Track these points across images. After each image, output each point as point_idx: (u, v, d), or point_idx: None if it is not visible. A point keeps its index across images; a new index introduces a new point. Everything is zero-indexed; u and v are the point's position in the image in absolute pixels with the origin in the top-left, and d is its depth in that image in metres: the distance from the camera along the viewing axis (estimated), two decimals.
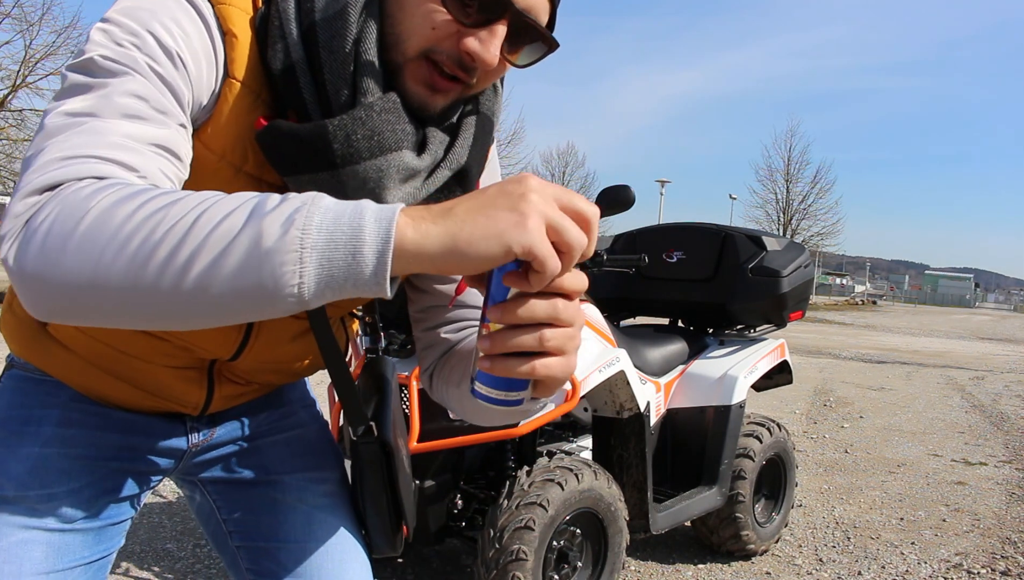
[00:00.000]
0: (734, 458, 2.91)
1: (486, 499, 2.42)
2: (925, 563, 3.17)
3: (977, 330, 24.73)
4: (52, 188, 0.60)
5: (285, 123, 0.74)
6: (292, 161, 0.75)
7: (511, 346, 0.62)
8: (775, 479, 3.21)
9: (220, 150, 0.76)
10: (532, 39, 0.79)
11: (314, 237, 0.55)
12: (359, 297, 0.60)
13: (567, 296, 0.62)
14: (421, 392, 2.16)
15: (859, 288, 78.12)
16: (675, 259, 3.16)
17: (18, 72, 17.77)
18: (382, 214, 0.57)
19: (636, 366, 2.60)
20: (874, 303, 51.91)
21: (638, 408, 2.53)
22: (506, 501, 2.19)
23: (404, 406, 2.18)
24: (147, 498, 3.47)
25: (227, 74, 0.75)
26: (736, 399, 2.86)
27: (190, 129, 0.73)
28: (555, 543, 2.27)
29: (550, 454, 2.62)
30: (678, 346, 2.97)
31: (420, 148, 0.81)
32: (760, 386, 3.28)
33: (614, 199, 2.33)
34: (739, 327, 3.19)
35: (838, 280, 73.40)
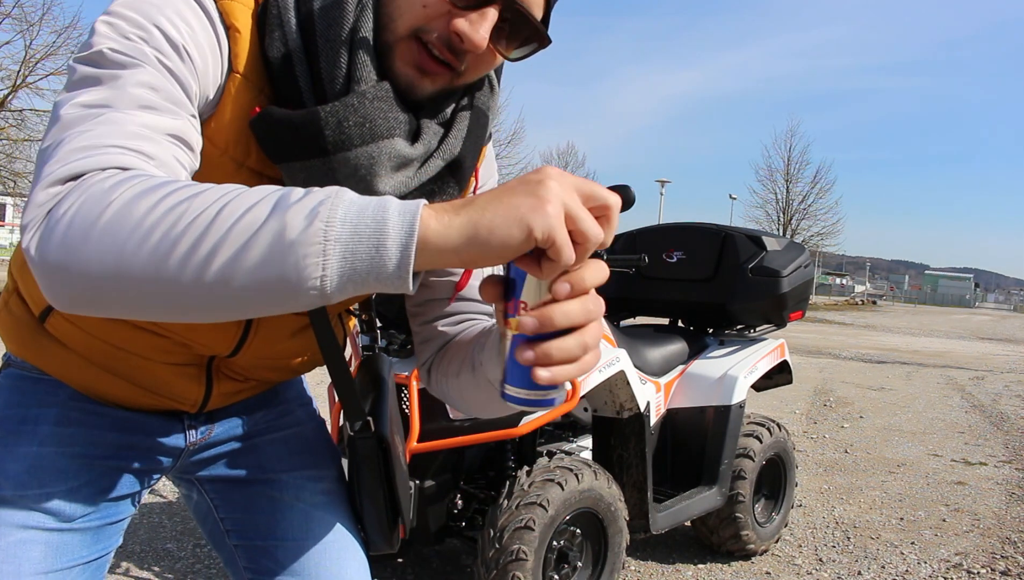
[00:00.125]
0: (734, 458, 2.91)
1: (486, 499, 2.41)
2: (925, 563, 3.17)
3: (977, 330, 24.73)
4: (74, 178, 0.60)
5: (278, 110, 0.75)
6: (285, 148, 0.75)
7: (559, 357, 0.61)
8: (775, 479, 3.21)
9: (223, 144, 0.76)
10: (524, 32, 0.79)
11: (338, 230, 0.55)
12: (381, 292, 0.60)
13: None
14: (421, 392, 2.16)
15: (859, 288, 78.16)
16: (675, 259, 3.16)
17: (18, 72, 17.77)
18: (406, 208, 0.57)
19: (636, 366, 2.60)
20: (874, 303, 51.93)
21: (638, 408, 2.53)
22: (506, 501, 2.19)
23: (404, 406, 2.18)
24: (147, 498, 3.46)
25: (231, 69, 0.76)
26: (736, 399, 2.86)
27: (199, 120, 0.73)
28: (555, 543, 2.27)
29: (550, 454, 2.62)
30: (678, 346, 2.97)
31: (413, 137, 0.81)
32: (760, 386, 3.28)
33: None
34: (739, 327, 3.19)
35: (838, 280, 73.42)
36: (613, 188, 2.49)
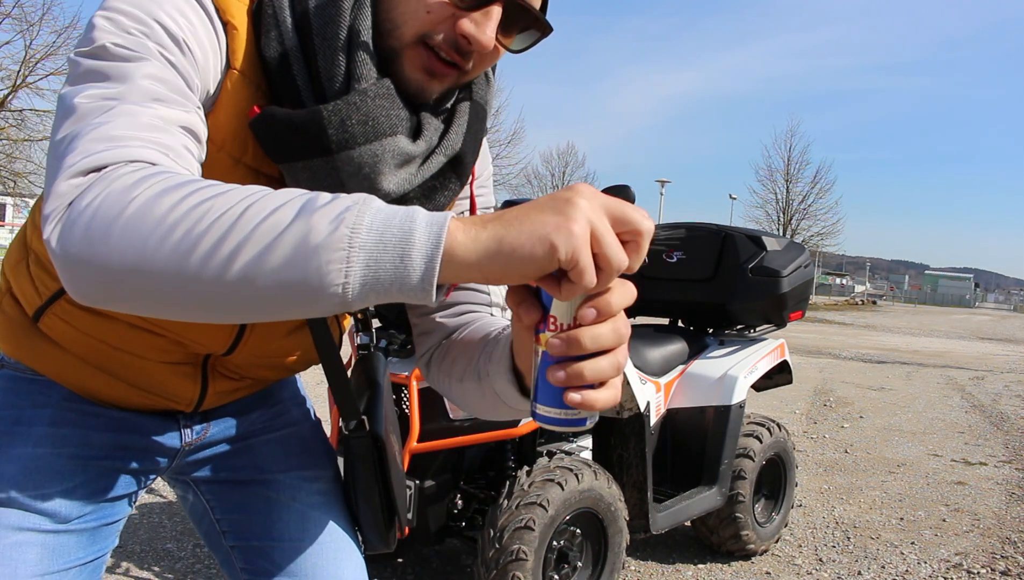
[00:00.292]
0: (734, 458, 2.91)
1: (486, 499, 2.41)
2: (925, 563, 3.17)
3: (977, 330, 24.73)
4: (96, 170, 0.60)
5: (279, 110, 0.74)
6: (287, 148, 0.75)
7: (591, 377, 0.60)
8: (775, 479, 3.21)
9: (220, 141, 0.76)
10: (526, 23, 0.79)
11: (363, 237, 0.55)
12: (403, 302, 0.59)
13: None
14: (421, 392, 2.16)
15: (859, 288, 78.11)
16: (675, 259, 3.16)
17: (18, 72, 17.79)
18: (434, 219, 0.56)
19: (636, 366, 2.59)
20: (874, 303, 51.92)
21: (638, 408, 2.53)
22: (506, 501, 2.18)
23: (404, 406, 2.18)
24: (148, 498, 3.46)
25: (228, 65, 0.75)
26: (736, 399, 2.86)
27: (203, 112, 0.73)
28: (555, 543, 2.26)
29: (550, 454, 2.62)
30: (678, 346, 2.96)
31: (415, 134, 0.80)
32: (760, 386, 3.27)
33: None
34: (739, 327, 3.18)
35: (838, 280, 73.39)
36: (613, 188, 2.49)
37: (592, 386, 0.61)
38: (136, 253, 0.56)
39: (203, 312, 0.59)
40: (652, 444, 2.65)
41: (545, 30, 0.80)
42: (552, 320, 0.61)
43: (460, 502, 2.42)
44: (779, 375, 3.31)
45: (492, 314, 0.96)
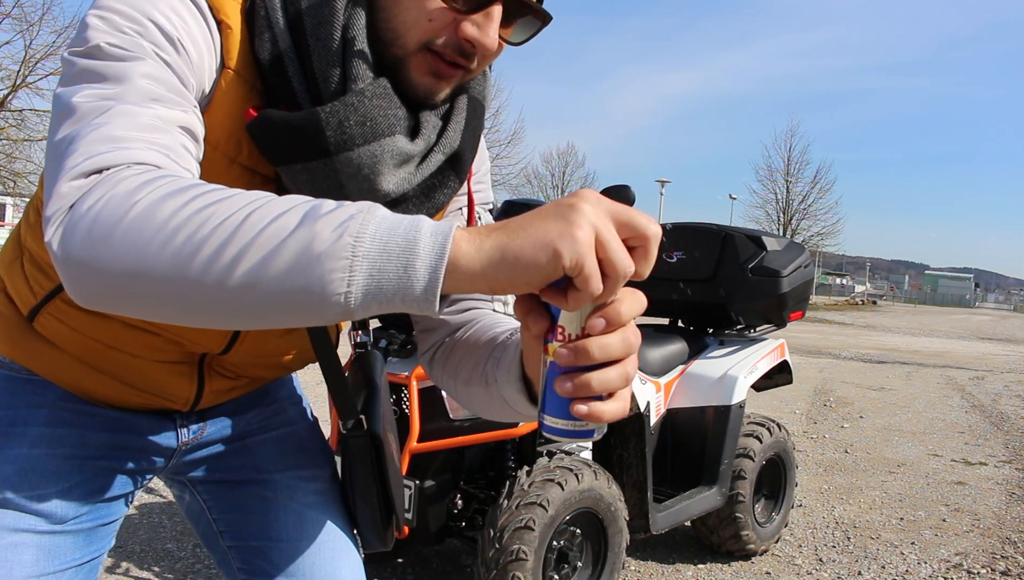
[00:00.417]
0: (734, 458, 2.91)
1: (486, 499, 2.41)
2: (925, 563, 3.17)
3: (977, 330, 24.73)
4: (98, 172, 0.60)
5: (276, 112, 0.74)
6: (285, 150, 0.74)
7: (599, 388, 0.59)
8: (775, 479, 3.20)
9: (215, 141, 0.76)
10: (525, 14, 0.79)
11: (367, 246, 0.54)
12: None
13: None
14: (421, 392, 2.16)
15: (859, 288, 78.12)
16: (675, 259, 3.16)
17: (18, 72, 17.78)
18: (439, 229, 0.55)
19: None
20: (874, 303, 51.92)
21: (638, 408, 2.53)
22: (506, 501, 2.18)
23: (404, 406, 2.18)
24: (147, 498, 3.46)
25: (223, 64, 0.75)
26: (736, 399, 2.86)
27: (199, 111, 0.73)
28: (555, 543, 2.26)
29: (550, 454, 2.61)
30: (678, 346, 2.96)
31: (413, 133, 0.80)
32: (760, 386, 3.27)
33: (614, 199, 2.32)
34: (739, 327, 3.18)
35: (838, 280, 73.40)
36: (612, 188, 2.48)
37: (600, 397, 0.60)
38: (138, 257, 0.55)
39: (204, 317, 0.58)
40: (652, 444, 2.65)
41: (545, 19, 0.80)
42: (560, 330, 0.59)
43: (460, 502, 2.42)
44: (779, 375, 3.31)
45: (495, 310, 0.95)
